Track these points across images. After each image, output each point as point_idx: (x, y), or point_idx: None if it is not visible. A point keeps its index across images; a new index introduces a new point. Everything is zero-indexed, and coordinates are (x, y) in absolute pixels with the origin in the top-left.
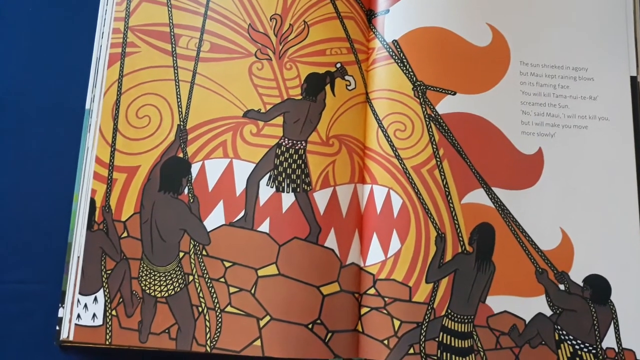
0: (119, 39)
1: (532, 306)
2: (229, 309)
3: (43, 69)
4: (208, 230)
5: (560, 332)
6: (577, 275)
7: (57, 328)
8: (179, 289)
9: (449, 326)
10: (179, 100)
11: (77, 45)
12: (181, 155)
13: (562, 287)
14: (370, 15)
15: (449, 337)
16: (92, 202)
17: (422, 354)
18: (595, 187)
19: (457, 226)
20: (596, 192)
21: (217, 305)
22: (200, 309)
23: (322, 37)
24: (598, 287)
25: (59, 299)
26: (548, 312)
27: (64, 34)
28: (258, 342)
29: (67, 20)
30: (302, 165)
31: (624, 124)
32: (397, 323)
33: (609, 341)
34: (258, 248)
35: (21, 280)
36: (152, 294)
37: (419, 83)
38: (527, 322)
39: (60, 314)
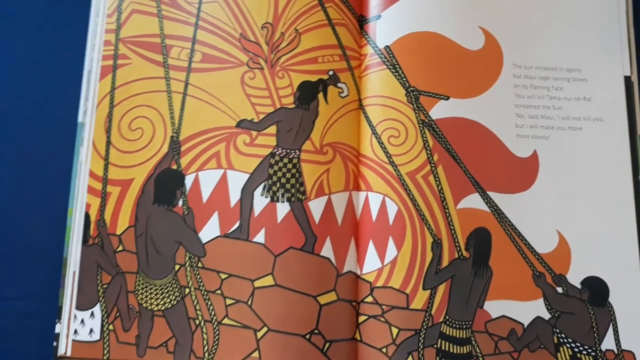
0: (111, 51)
1: (530, 310)
2: (226, 321)
3: (34, 83)
4: (203, 242)
5: (559, 335)
6: (575, 277)
7: (55, 344)
8: (175, 302)
9: (448, 332)
10: (171, 111)
11: (68, 58)
12: (175, 167)
13: (559, 290)
14: (362, 21)
15: (447, 343)
16: (87, 217)
17: None
18: (591, 189)
19: (453, 232)
20: (592, 193)
21: (214, 318)
22: (197, 321)
23: (314, 45)
24: (596, 289)
25: (55, 315)
26: (546, 316)
27: (55, 47)
28: (256, 354)
29: (58, 34)
30: (297, 174)
31: (619, 124)
32: (395, 331)
33: (608, 343)
34: (254, 259)
35: (17, 297)
36: (149, 307)
37: (411, 89)
38: (525, 326)
39: (57, 330)
